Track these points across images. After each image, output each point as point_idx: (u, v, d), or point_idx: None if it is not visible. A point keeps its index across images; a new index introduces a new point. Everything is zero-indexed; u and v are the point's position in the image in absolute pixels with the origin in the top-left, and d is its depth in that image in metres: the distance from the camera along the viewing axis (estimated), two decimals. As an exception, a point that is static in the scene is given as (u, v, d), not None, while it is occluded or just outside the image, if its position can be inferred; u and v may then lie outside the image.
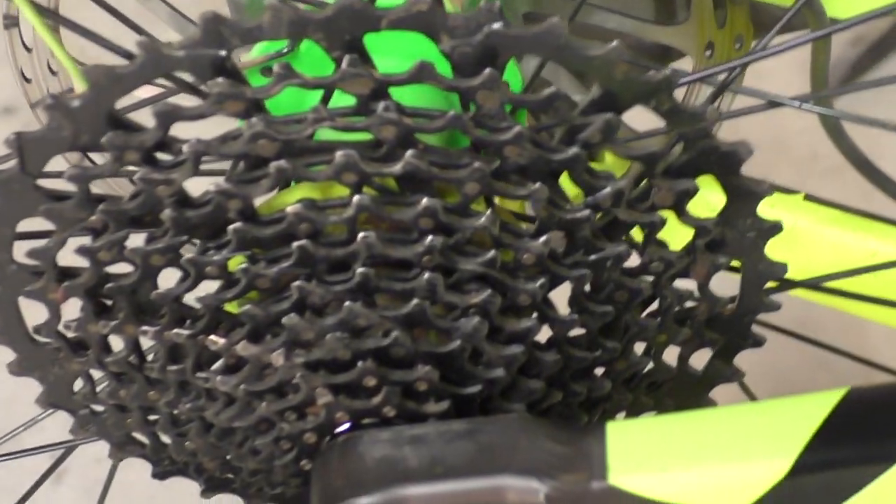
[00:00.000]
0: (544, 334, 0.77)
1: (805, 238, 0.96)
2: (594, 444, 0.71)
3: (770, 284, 0.81)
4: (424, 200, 0.71)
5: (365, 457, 0.73)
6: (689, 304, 0.80)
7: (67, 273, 0.78)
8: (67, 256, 0.76)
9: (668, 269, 0.77)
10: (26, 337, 0.82)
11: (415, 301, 0.72)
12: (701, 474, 0.70)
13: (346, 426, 0.76)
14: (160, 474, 0.92)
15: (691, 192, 0.74)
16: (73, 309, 0.80)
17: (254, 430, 0.78)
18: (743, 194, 0.75)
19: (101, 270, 0.76)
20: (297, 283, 0.72)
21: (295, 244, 0.72)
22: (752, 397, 1.06)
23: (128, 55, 0.74)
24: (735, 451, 0.70)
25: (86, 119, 0.71)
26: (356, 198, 0.71)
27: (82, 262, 0.76)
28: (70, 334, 0.80)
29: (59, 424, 0.92)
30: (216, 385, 0.77)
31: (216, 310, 0.75)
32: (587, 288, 0.76)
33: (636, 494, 0.70)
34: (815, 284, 0.86)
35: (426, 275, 0.72)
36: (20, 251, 0.77)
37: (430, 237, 0.71)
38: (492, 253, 0.73)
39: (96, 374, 0.84)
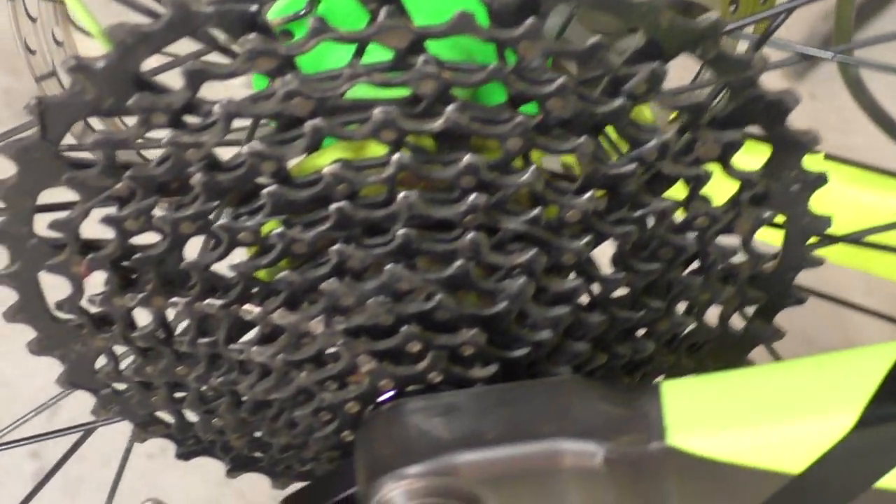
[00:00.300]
0: (587, 295, 0.75)
1: (827, 197, 0.94)
2: (649, 404, 0.69)
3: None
4: (467, 157, 0.68)
5: (412, 424, 0.71)
6: (732, 261, 0.77)
7: (91, 245, 0.75)
8: (90, 228, 0.74)
9: (712, 225, 0.74)
10: (47, 314, 0.79)
11: (459, 262, 0.70)
12: (763, 432, 0.68)
13: (389, 394, 0.73)
14: (184, 454, 0.89)
15: (737, 144, 0.72)
16: (94, 284, 0.77)
17: (291, 401, 0.76)
18: (788, 145, 0.73)
19: (127, 241, 0.73)
20: (336, 246, 0.70)
21: (333, 206, 0.69)
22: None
23: (151, 13, 0.71)
24: (798, 407, 0.68)
25: (110, 81, 0.68)
26: (396, 156, 0.68)
27: (104, 234, 0.73)
28: (94, 309, 0.77)
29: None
30: (251, 356, 0.74)
31: (250, 278, 0.72)
32: (632, 246, 0.73)
33: (696, 454, 0.68)
34: (856, 239, 0.84)
35: (469, 235, 0.70)
36: (40, 225, 0.74)
37: (473, 195, 0.69)
38: (536, 210, 0.70)
39: (119, 350, 0.81)
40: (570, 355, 0.75)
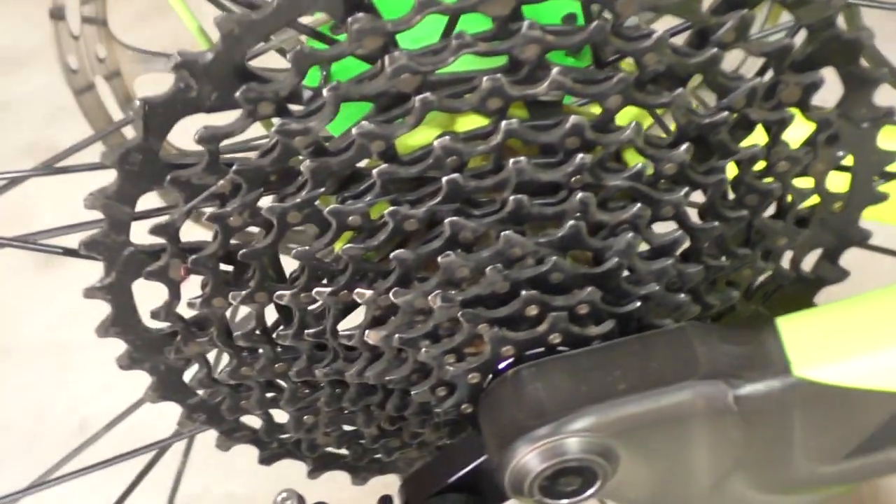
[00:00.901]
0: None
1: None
2: (769, 340, 0.71)
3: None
4: (572, 118, 0.70)
5: (540, 386, 0.72)
6: (807, 203, 0.80)
7: (188, 250, 0.75)
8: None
9: (793, 168, 0.77)
10: (140, 325, 0.79)
11: (570, 222, 0.71)
12: (882, 355, 0.70)
13: (509, 361, 0.74)
14: (267, 458, 0.89)
15: (818, 85, 0.74)
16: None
17: (405, 382, 0.76)
18: (861, 82, 0.76)
19: (230, 237, 0.73)
20: (450, 218, 0.71)
21: (446, 178, 0.70)
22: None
23: (250, 4, 0.72)
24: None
25: (217, 75, 0.68)
26: (504, 123, 0.69)
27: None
28: (193, 313, 0.77)
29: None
30: (365, 341, 0.74)
31: (359, 261, 0.72)
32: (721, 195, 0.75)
33: (821, 383, 0.70)
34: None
35: (578, 195, 0.71)
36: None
37: (580, 156, 0.70)
38: (639, 165, 0.72)
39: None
40: (671, 308, 0.76)
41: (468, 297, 0.72)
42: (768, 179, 0.76)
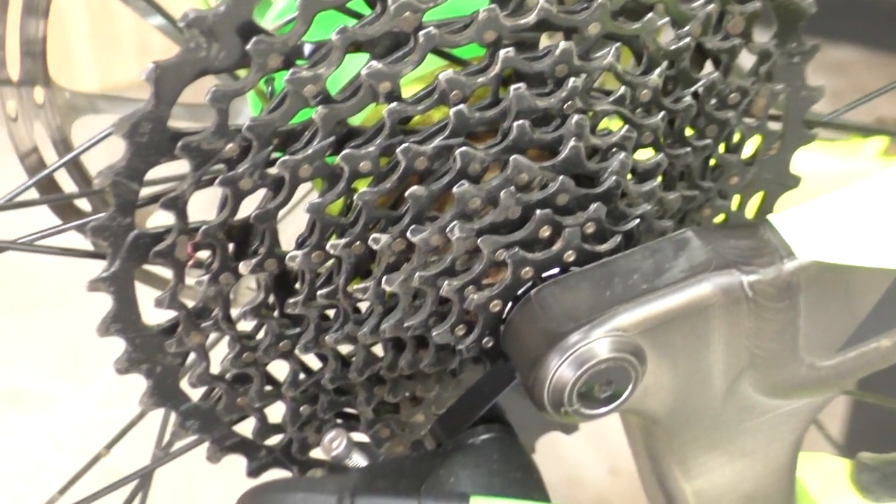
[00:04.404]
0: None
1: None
2: (768, 233, 0.76)
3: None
4: (561, 45, 0.75)
5: (566, 297, 0.75)
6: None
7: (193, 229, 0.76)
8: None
9: (742, 100, 0.83)
10: (140, 322, 0.79)
11: (570, 144, 0.75)
12: (872, 235, 0.76)
13: (526, 287, 0.77)
14: (255, 470, 0.88)
15: (758, 14, 0.81)
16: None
17: (423, 325, 0.78)
18: (791, 15, 0.83)
19: (239, 204, 0.75)
20: (460, 149, 0.74)
21: (452, 110, 0.74)
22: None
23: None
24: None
25: (225, 32, 0.71)
26: (502, 52, 0.74)
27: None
28: (200, 293, 0.77)
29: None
30: (380, 293, 0.76)
31: (372, 207, 0.75)
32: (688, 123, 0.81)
33: (825, 263, 0.75)
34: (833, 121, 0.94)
35: (574, 118, 0.75)
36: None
37: (571, 80, 0.75)
38: (622, 89, 0.77)
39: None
40: (658, 234, 0.81)
41: (483, 225, 0.75)
42: (724, 112, 0.82)
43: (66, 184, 0.96)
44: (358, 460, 0.76)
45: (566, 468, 1.86)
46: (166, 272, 0.77)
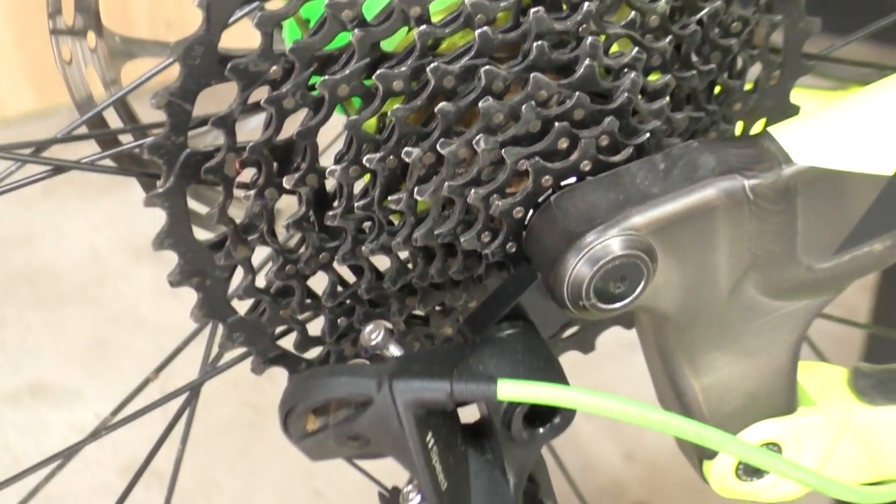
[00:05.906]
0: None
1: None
2: (767, 142, 0.83)
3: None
4: (575, -32, 0.82)
5: (583, 201, 0.81)
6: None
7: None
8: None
9: (744, 29, 0.90)
10: (191, 236, 0.85)
11: (586, 63, 0.82)
12: (865, 141, 0.83)
13: (546, 195, 0.83)
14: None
15: (756, -58, 0.88)
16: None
17: (452, 233, 0.85)
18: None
19: (283, 122, 0.82)
20: (485, 67, 0.81)
21: (477, 31, 0.80)
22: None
23: None
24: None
25: (269, -46, 0.78)
26: None
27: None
28: (247, 207, 0.84)
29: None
30: (413, 202, 0.83)
31: (404, 123, 0.82)
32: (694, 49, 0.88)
33: (821, 168, 0.82)
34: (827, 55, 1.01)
35: (588, 39, 0.82)
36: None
37: (585, 4, 0.82)
38: (632, 14, 0.84)
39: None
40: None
41: (506, 138, 0.82)
42: (727, 39, 0.89)
43: (115, 123, 1.03)
44: (394, 351, 0.82)
45: (581, 454, 1.90)
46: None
